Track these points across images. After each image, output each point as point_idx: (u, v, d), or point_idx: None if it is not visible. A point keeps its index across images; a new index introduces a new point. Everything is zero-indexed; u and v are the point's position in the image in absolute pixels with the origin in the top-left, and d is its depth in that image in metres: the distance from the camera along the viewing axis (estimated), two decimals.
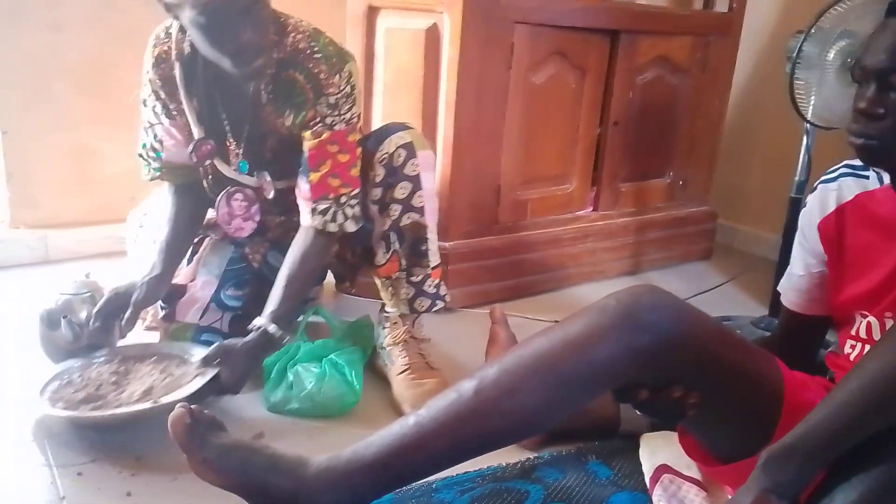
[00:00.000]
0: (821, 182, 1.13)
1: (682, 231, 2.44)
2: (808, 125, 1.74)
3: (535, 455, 1.27)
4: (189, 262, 1.58)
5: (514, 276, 2.04)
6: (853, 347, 1.07)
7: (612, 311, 0.91)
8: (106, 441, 1.23)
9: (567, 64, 2.00)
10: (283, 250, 1.49)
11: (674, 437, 1.12)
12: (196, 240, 1.60)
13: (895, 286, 1.01)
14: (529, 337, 0.96)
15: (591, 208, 2.22)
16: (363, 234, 1.52)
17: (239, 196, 1.50)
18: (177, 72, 1.40)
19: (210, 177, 1.50)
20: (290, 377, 1.37)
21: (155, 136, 1.48)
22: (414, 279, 1.52)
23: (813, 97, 1.64)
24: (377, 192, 1.47)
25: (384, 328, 1.56)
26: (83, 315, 1.42)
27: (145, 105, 1.48)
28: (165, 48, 1.42)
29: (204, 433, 0.96)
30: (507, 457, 1.23)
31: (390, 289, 1.54)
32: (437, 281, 1.55)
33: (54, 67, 1.98)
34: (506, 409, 0.91)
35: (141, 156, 1.51)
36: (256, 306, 1.45)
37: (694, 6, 2.70)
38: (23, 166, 2.00)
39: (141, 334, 1.62)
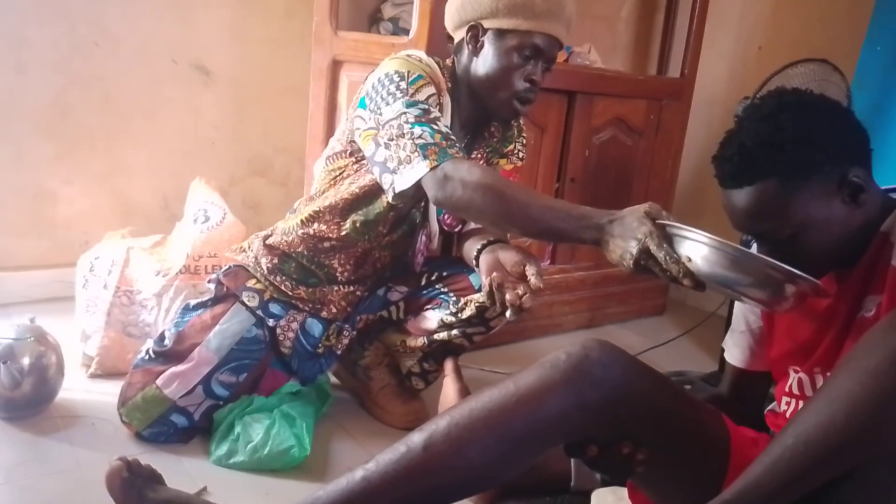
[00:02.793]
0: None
1: (637, 286, 2.48)
2: None
3: None
4: (206, 308, 1.45)
5: None
6: (788, 404, 1.09)
7: (563, 365, 0.92)
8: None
9: (526, 122, 2.04)
10: (322, 323, 1.49)
11: (625, 492, 1.12)
12: (223, 302, 1.46)
13: (822, 341, 1.03)
14: (481, 390, 0.96)
15: (549, 261, 2.25)
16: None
17: (426, 233, 1.54)
18: (446, 102, 1.41)
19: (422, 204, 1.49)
20: (238, 429, 1.34)
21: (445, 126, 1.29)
22: (426, 366, 1.57)
23: None
24: (450, 319, 1.49)
25: (365, 349, 1.61)
26: (25, 361, 1.38)
27: (425, 102, 1.29)
28: (434, 77, 1.36)
29: (141, 488, 0.93)
30: None
31: (401, 349, 1.57)
32: (437, 376, 1.57)
33: (16, 109, 1.96)
34: (455, 464, 0.90)
35: (433, 144, 1.23)
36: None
37: (648, 71, 2.81)
38: None
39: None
